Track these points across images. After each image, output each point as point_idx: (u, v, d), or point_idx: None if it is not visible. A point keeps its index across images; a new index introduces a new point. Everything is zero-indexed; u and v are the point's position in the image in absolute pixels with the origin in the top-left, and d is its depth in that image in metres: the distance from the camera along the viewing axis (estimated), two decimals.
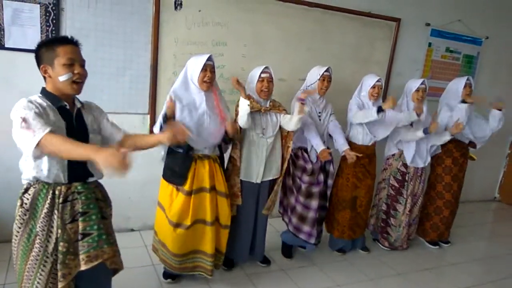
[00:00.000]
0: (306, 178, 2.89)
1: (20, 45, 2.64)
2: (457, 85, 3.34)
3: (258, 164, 2.63)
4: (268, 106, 2.62)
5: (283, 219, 3.08)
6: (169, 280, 2.59)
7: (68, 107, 1.68)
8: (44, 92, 1.66)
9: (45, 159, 1.59)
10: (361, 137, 3.05)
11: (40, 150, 1.49)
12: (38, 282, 1.64)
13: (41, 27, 2.66)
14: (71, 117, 1.68)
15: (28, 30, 2.64)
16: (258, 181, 2.66)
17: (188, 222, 2.37)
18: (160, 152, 2.44)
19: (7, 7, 2.56)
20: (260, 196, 2.73)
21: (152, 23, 2.93)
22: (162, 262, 2.56)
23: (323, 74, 2.84)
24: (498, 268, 3.33)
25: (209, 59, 2.32)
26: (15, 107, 1.56)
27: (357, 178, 3.09)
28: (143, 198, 3.15)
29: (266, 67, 2.55)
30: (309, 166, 2.89)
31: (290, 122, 2.63)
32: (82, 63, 1.67)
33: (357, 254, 3.28)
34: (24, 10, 2.61)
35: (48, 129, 1.47)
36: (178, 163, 2.34)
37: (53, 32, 2.68)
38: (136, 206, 3.17)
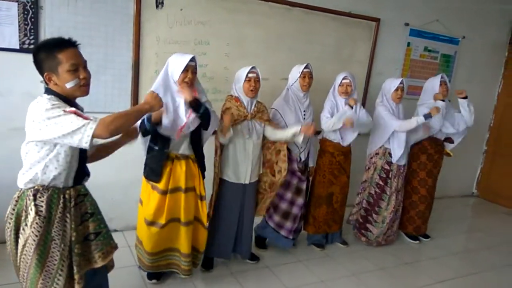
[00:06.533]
0: (298, 173, 2.99)
1: None
2: (432, 83, 3.43)
3: (246, 165, 2.65)
4: (252, 111, 2.62)
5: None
6: (154, 280, 2.57)
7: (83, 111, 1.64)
8: (57, 95, 1.57)
9: (56, 164, 1.58)
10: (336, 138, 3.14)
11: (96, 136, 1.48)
12: (55, 287, 1.64)
13: (19, 26, 2.60)
14: None
15: (5, 29, 2.58)
16: (247, 181, 2.68)
17: (162, 221, 2.37)
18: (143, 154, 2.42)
19: None
20: (246, 196, 2.73)
21: (134, 22, 2.91)
22: (138, 261, 2.57)
23: (303, 71, 2.89)
24: (476, 262, 3.43)
25: (192, 59, 2.28)
26: (41, 108, 1.47)
27: (332, 175, 3.18)
28: (126, 199, 3.12)
29: (253, 67, 2.57)
30: (295, 166, 2.97)
31: (283, 135, 2.66)
32: (85, 64, 1.62)
33: (340, 250, 3.33)
34: (1, 9, 2.55)
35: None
36: (154, 160, 2.34)
37: (32, 31, 2.63)
38: (119, 207, 3.14)
